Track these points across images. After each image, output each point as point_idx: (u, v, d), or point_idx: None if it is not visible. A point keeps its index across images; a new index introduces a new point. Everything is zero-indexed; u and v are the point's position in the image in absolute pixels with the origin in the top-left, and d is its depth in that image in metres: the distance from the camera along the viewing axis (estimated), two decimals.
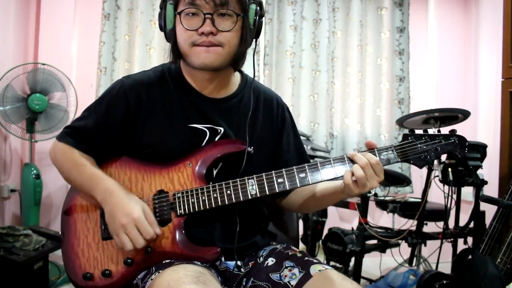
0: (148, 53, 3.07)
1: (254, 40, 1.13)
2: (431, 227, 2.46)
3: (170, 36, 1.08)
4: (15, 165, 2.80)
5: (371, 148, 1.04)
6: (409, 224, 2.37)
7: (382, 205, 2.52)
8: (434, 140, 1.05)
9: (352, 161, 1.02)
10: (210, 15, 1.02)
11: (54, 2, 2.92)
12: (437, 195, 2.31)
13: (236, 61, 1.12)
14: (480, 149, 2.16)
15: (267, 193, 1.04)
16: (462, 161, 2.12)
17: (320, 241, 2.60)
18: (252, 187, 1.04)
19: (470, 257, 1.74)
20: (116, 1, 3.06)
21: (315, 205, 1.22)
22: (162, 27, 1.10)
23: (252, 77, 1.20)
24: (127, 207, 1.01)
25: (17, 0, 2.74)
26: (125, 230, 0.99)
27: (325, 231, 2.59)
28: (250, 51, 1.15)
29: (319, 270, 1.03)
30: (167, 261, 1.04)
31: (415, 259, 2.66)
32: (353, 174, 0.99)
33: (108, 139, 1.14)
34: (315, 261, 1.08)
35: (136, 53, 3.03)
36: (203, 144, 1.13)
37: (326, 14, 3.24)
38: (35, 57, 2.92)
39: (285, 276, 1.06)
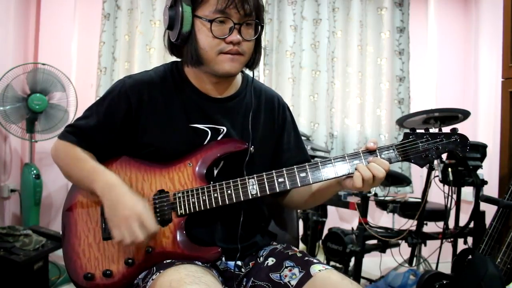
0: (148, 53, 3.07)
1: None
2: (431, 227, 2.46)
3: (185, 38, 1.06)
4: (15, 165, 2.80)
5: (371, 150, 1.04)
6: (409, 224, 2.37)
7: (382, 205, 2.52)
8: (435, 138, 1.05)
9: (355, 158, 1.03)
10: (239, 25, 1.04)
11: (54, 2, 2.92)
12: (437, 195, 2.31)
13: (246, 66, 1.15)
14: (480, 149, 2.17)
15: (268, 192, 1.04)
16: (462, 161, 2.12)
17: (320, 241, 2.61)
18: (252, 187, 1.05)
19: (470, 257, 1.74)
20: (116, 1, 3.05)
21: (313, 201, 1.23)
22: (174, 27, 1.06)
23: (252, 76, 1.20)
24: (130, 201, 1.01)
25: (17, 0, 2.74)
26: (127, 223, 0.99)
27: (325, 231, 2.59)
28: None
29: (319, 270, 1.03)
30: (168, 261, 1.04)
31: (415, 259, 2.66)
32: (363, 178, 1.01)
33: (109, 139, 1.14)
34: (315, 261, 1.08)
35: (136, 53, 3.03)
36: (204, 144, 1.13)
37: (326, 14, 3.24)
38: (35, 57, 2.91)
39: (285, 276, 1.06)
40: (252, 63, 1.14)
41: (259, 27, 1.09)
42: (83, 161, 1.10)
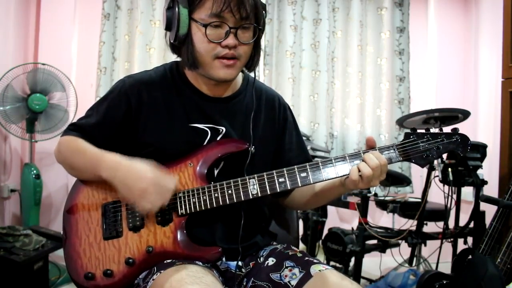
0: (148, 53, 3.07)
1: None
2: (431, 227, 2.46)
3: (182, 40, 1.06)
4: (15, 165, 2.80)
5: (371, 147, 1.04)
6: (409, 224, 2.37)
7: (382, 205, 2.52)
8: (436, 138, 1.04)
9: (355, 158, 1.02)
10: (235, 29, 1.03)
11: (54, 2, 2.92)
12: (437, 195, 2.31)
13: (245, 67, 1.14)
14: (480, 149, 2.17)
15: (268, 192, 1.04)
16: (462, 161, 2.12)
17: (320, 241, 2.61)
18: (253, 187, 1.04)
19: (470, 257, 1.74)
20: (116, 1, 3.06)
21: (316, 202, 1.22)
22: (172, 29, 1.07)
23: (254, 77, 1.20)
24: (138, 172, 1.01)
25: (17, 0, 2.74)
26: (146, 194, 0.99)
27: (325, 231, 2.59)
28: None
29: (319, 270, 1.03)
30: (168, 261, 1.04)
31: (415, 259, 2.66)
32: (359, 170, 1.00)
33: (109, 138, 1.14)
34: (315, 261, 1.08)
35: (136, 53, 3.03)
36: (205, 143, 1.13)
37: (326, 14, 3.24)
38: (35, 57, 2.91)
39: (286, 276, 1.06)
40: (251, 65, 1.13)
41: (258, 30, 1.08)
42: (84, 150, 1.10)
